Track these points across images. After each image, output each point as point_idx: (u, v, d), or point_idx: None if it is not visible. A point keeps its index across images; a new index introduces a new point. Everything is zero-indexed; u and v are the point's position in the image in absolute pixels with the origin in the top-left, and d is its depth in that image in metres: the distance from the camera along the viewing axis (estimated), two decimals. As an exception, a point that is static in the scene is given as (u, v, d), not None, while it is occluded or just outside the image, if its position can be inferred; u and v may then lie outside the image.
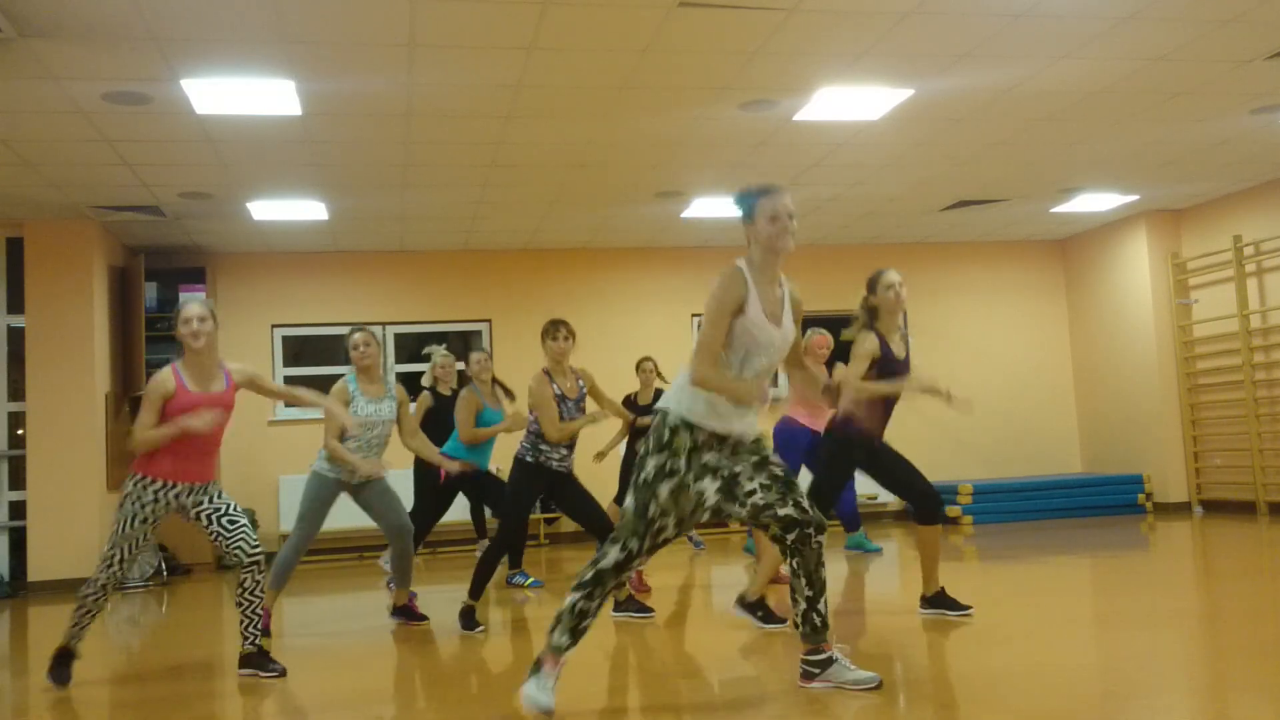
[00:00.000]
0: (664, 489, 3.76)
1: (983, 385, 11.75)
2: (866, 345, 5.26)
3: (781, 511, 3.77)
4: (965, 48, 6.10)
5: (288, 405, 10.12)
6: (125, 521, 4.66)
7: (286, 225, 9.47)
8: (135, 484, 4.68)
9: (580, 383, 5.87)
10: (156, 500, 4.69)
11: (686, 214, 9.81)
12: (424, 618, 6.02)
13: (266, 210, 8.87)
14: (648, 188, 8.89)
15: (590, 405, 5.98)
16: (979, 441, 11.64)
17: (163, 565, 9.14)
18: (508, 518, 5.75)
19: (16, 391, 9.08)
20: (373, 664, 5.09)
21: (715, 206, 9.43)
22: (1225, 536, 8.63)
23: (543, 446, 5.71)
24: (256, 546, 4.75)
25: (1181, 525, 9.67)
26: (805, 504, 3.80)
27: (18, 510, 8.93)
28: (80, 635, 4.83)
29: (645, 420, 7.47)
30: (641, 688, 4.30)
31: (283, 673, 4.74)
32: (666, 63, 6.09)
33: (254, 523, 9.88)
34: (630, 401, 8.36)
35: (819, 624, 3.86)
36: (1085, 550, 8.11)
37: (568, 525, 10.54)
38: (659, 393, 8.44)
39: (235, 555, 4.71)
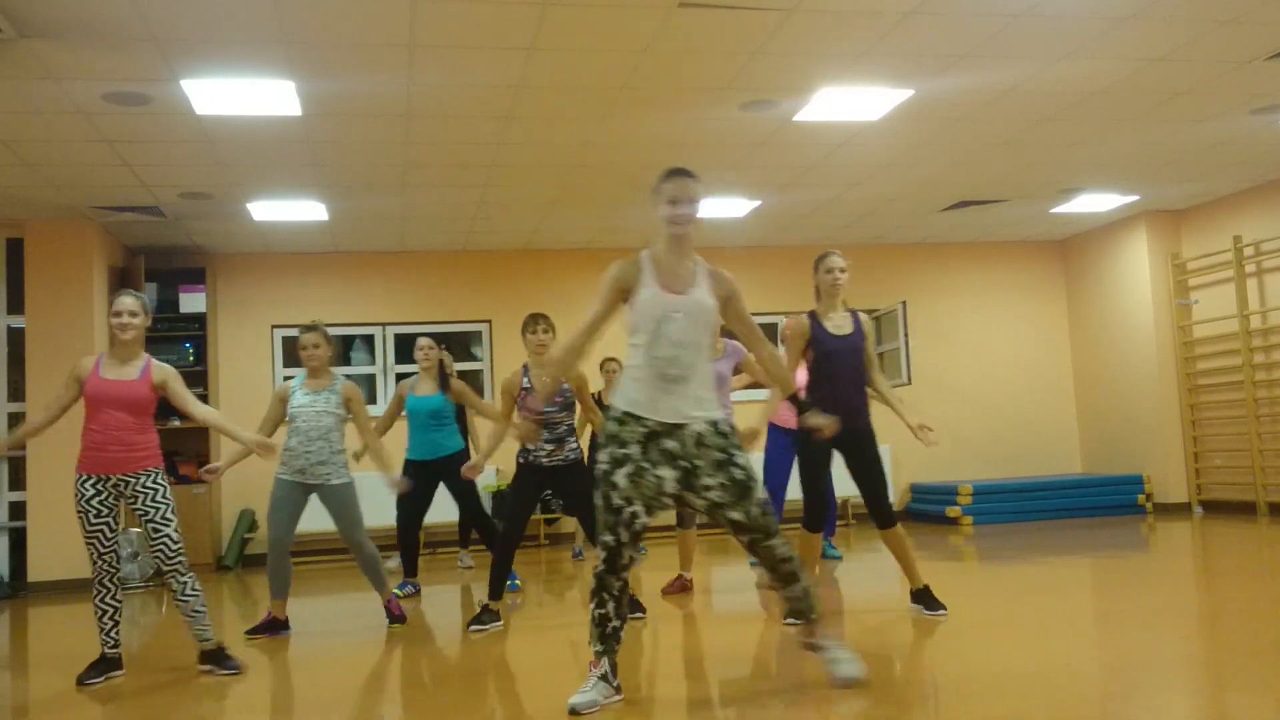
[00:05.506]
0: (620, 476, 3.80)
1: (982, 385, 11.78)
2: (792, 326, 5.40)
3: (731, 515, 3.87)
4: (965, 48, 6.10)
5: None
6: (80, 522, 4.69)
7: (286, 225, 9.47)
8: (76, 483, 4.72)
9: (565, 384, 5.71)
10: (93, 494, 4.68)
11: (686, 214, 9.79)
12: (402, 618, 6.04)
13: (266, 210, 8.87)
14: (647, 188, 8.84)
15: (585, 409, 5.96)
16: (979, 441, 11.65)
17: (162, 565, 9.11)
18: (507, 517, 5.77)
19: (16, 391, 9.07)
20: (371, 663, 5.09)
21: (714, 207, 9.42)
22: (1225, 537, 8.63)
23: (528, 445, 5.69)
24: (173, 558, 4.75)
25: (1181, 525, 9.66)
26: (755, 511, 3.87)
27: (18, 510, 8.93)
28: (108, 639, 4.84)
29: None
30: (642, 688, 4.30)
31: (238, 670, 4.79)
32: (666, 63, 6.09)
33: (253, 524, 9.92)
34: (597, 400, 8.35)
35: (797, 609, 4.06)
36: (1085, 550, 8.11)
37: (568, 526, 10.54)
38: None
39: (156, 562, 4.72)
